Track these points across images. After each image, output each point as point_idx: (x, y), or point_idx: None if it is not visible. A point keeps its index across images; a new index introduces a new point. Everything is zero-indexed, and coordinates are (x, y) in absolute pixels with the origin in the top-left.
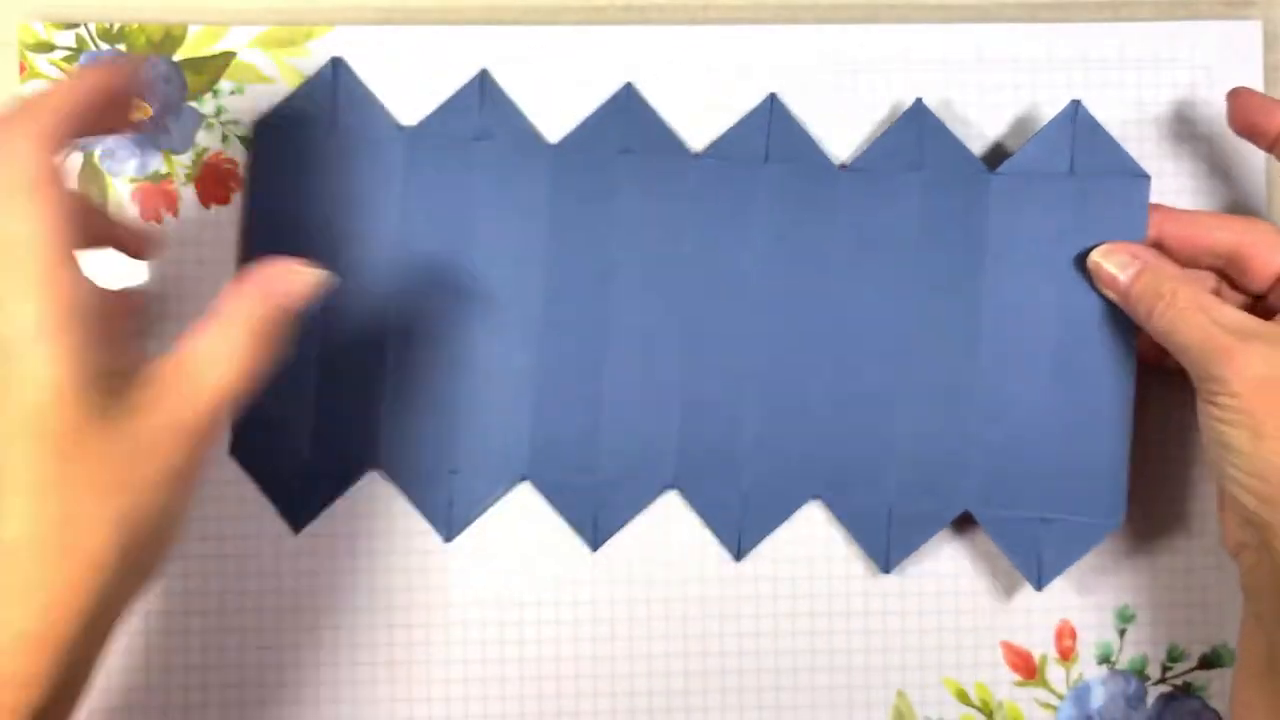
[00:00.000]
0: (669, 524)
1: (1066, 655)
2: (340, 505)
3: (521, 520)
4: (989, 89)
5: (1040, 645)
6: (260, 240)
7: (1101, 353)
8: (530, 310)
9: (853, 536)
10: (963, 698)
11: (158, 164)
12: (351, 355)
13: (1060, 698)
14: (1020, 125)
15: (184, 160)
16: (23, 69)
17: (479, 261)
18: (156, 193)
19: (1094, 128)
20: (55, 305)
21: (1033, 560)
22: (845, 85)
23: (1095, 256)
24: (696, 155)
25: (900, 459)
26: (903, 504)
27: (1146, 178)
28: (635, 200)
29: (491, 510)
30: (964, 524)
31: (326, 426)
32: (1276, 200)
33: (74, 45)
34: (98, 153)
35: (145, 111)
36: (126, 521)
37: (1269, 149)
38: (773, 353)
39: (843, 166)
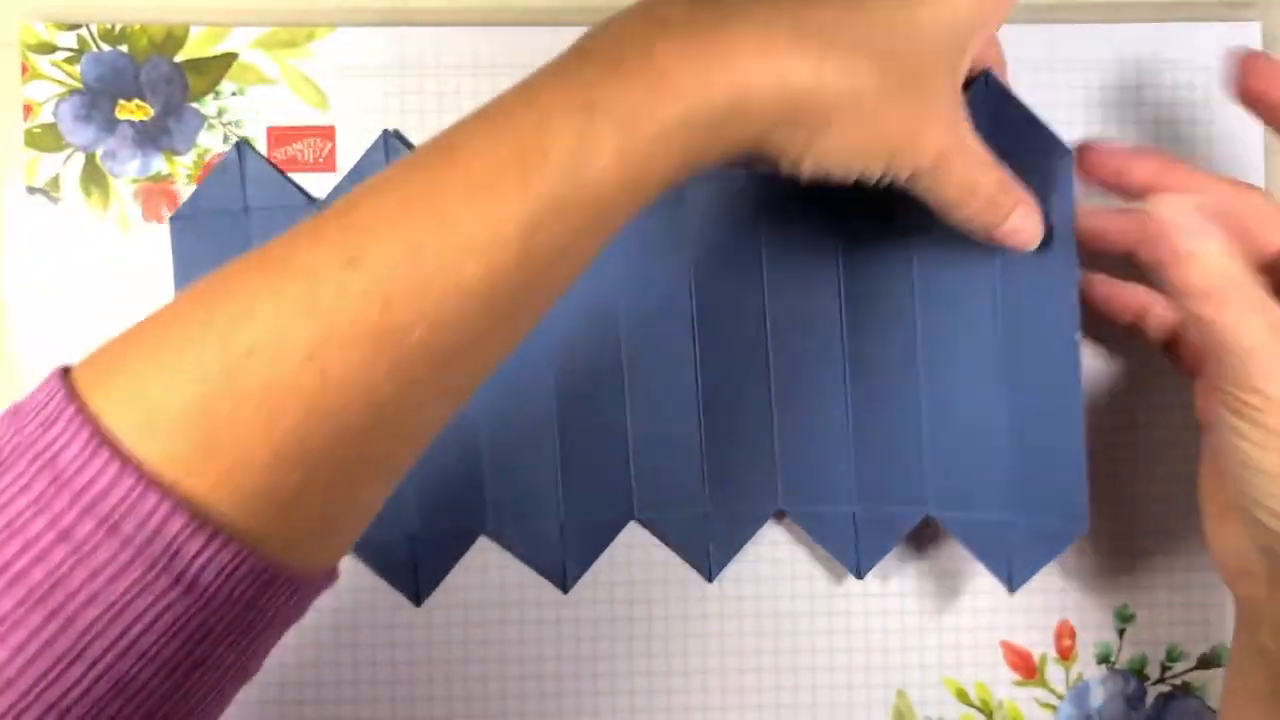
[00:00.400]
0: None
1: (1066, 655)
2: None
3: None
4: None
5: (1040, 645)
6: None
7: (1045, 349)
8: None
9: (821, 545)
10: (962, 697)
11: (159, 165)
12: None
13: (1060, 697)
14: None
15: (185, 161)
16: (24, 69)
17: None
18: (158, 193)
19: (1008, 101)
20: None
21: (1002, 563)
22: None
23: (1165, 212)
24: None
25: (858, 465)
26: (865, 510)
27: (1069, 153)
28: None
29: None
30: None
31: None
32: (1275, 197)
33: (75, 46)
34: (99, 153)
35: (146, 112)
36: None
37: (1270, 119)
38: (717, 372)
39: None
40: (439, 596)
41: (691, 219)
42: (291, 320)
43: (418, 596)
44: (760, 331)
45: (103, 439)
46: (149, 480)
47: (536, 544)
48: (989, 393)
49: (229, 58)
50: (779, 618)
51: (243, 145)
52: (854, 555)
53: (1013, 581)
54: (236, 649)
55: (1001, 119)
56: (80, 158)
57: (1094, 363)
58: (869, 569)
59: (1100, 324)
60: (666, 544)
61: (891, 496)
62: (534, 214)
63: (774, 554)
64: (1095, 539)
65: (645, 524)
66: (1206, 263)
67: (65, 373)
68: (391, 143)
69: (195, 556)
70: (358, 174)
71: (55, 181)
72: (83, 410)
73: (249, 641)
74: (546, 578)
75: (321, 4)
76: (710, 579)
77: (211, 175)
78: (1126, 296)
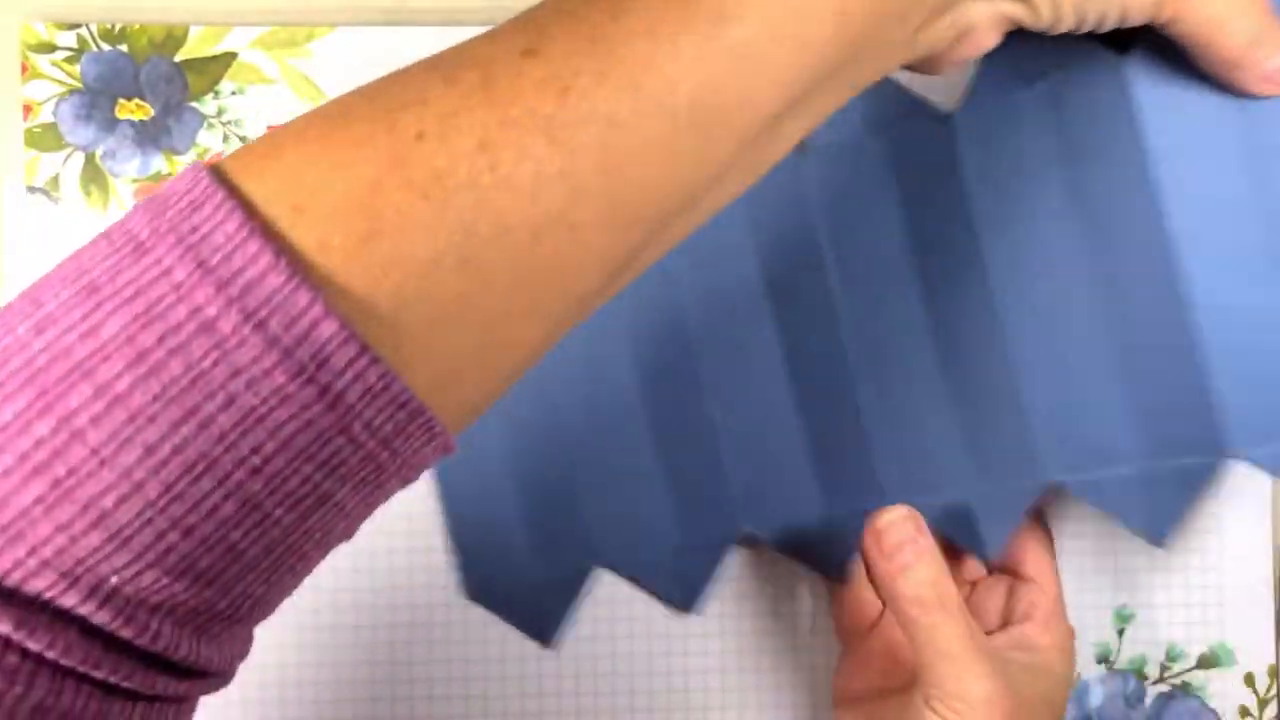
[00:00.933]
0: None
1: None
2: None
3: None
4: None
5: None
6: None
7: (1143, 282)
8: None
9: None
10: None
11: (159, 164)
12: (541, 456)
13: None
14: None
15: (185, 161)
16: (24, 69)
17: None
18: None
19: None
20: None
21: (1144, 518)
22: None
23: (884, 524)
24: None
25: (957, 449)
26: (984, 492)
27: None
28: None
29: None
30: None
31: (542, 536)
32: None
33: (75, 46)
34: (99, 152)
35: (146, 111)
36: None
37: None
38: (803, 362)
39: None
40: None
41: (761, 209)
42: (464, 104)
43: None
44: (835, 318)
45: (255, 225)
46: (304, 274)
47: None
48: (1092, 343)
49: (229, 57)
50: (778, 617)
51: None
52: (981, 546)
53: (1162, 535)
54: (361, 491)
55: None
56: (80, 157)
57: None
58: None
59: None
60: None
61: (1007, 474)
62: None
63: (772, 559)
64: (1095, 539)
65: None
66: (918, 574)
67: (211, 167)
68: None
69: (344, 370)
70: None
71: (55, 181)
72: (234, 194)
73: (373, 488)
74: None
75: (321, 4)
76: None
77: None
78: (867, 607)
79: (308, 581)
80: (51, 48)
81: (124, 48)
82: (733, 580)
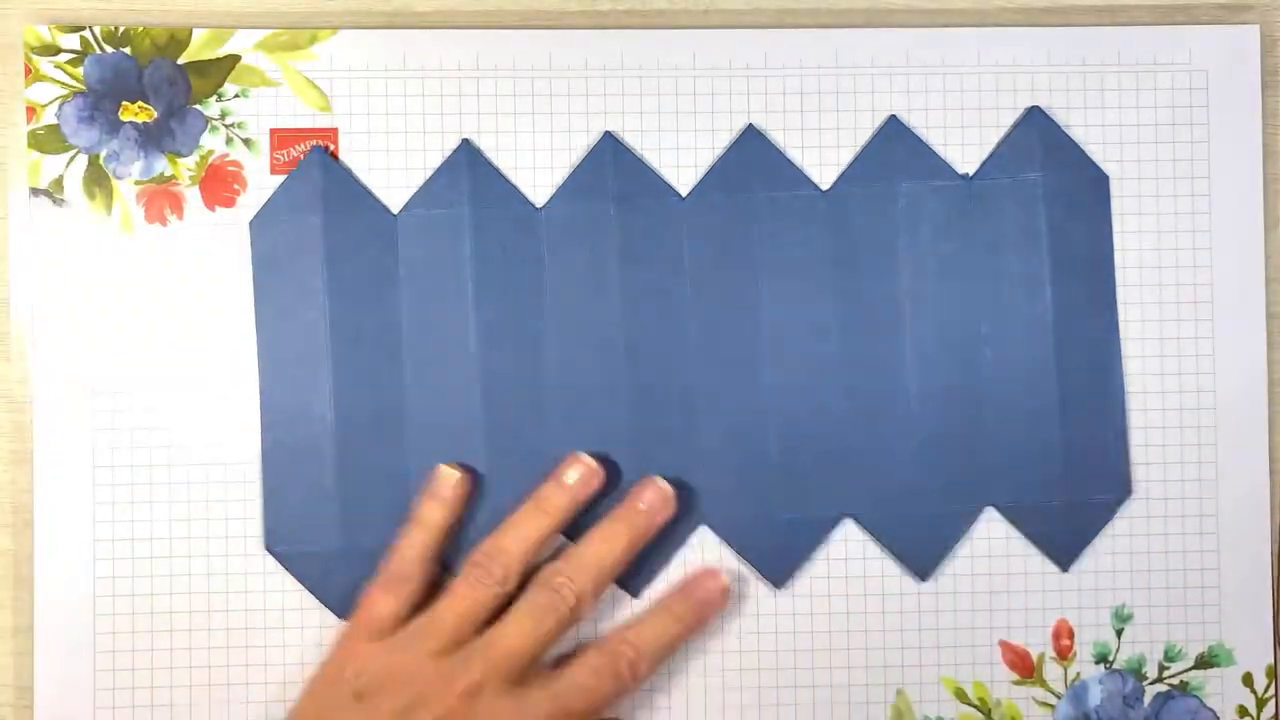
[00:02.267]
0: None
1: (1064, 654)
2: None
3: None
4: (988, 92)
5: (1038, 644)
6: (268, 326)
7: (1088, 351)
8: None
9: (888, 550)
10: (961, 696)
11: (163, 167)
12: (372, 435)
13: (1058, 696)
14: (1020, 128)
15: (189, 163)
16: (28, 71)
17: (485, 331)
18: (161, 195)
19: (1055, 131)
20: None
21: (1053, 543)
22: (845, 88)
23: None
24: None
25: (913, 463)
26: (922, 508)
27: (1107, 179)
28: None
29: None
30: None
31: (356, 511)
32: (1272, 201)
33: (79, 48)
34: (103, 154)
35: (149, 114)
36: None
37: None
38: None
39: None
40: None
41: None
42: None
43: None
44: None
45: None
46: None
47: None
48: (1037, 394)
49: (232, 60)
50: (778, 618)
51: (320, 150)
52: (918, 560)
53: (1065, 561)
54: None
55: (1051, 147)
56: (83, 159)
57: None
58: (934, 570)
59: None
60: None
61: (949, 493)
62: None
63: None
64: (1095, 539)
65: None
66: None
67: None
68: (472, 151)
69: None
70: (437, 181)
71: (59, 183)
72: None
73: None
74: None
75: (324, 6)
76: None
77: (290, 178)
78: None
79: None
80: (55, 50)
81: (127, 50)
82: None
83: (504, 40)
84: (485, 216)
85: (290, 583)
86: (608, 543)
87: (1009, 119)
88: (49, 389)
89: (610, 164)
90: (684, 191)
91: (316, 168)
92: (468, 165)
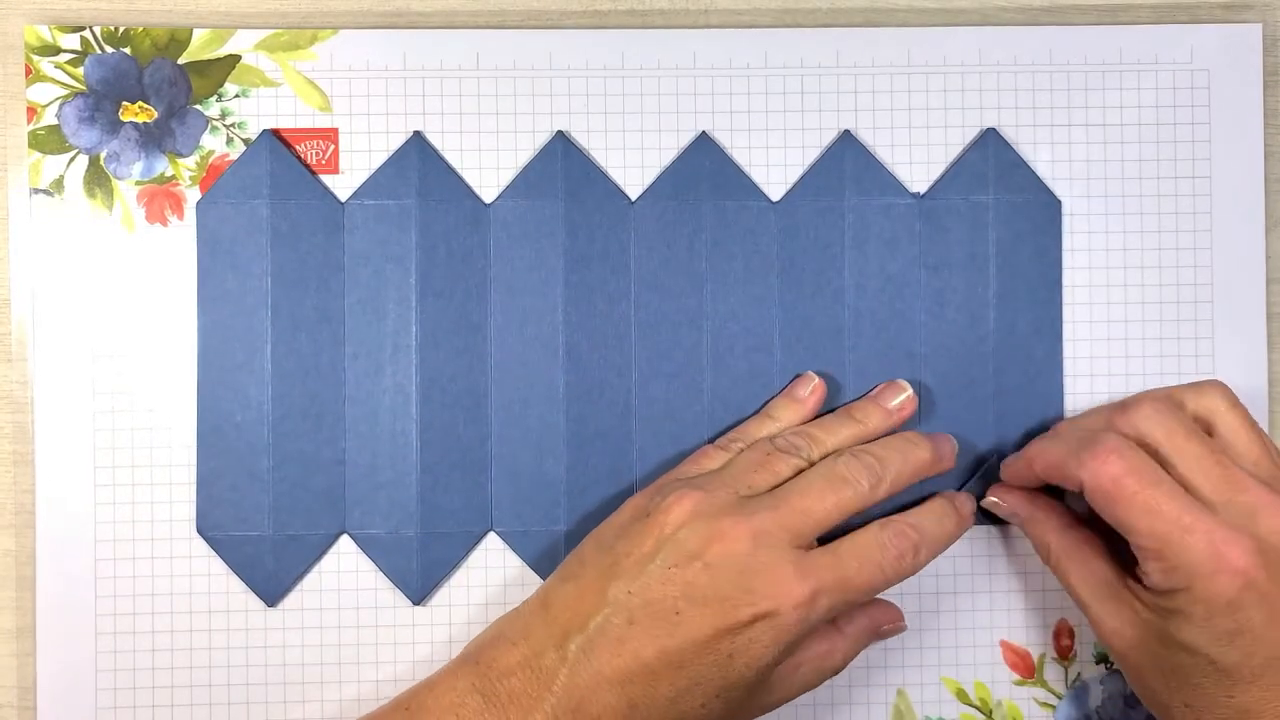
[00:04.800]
0: None
1: (1065, 654)
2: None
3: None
4: (989, 91)
5: (1039, 644)
6: (209, 308)
7: (1030, 370)
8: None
9: None
10: (962, 697)
11: (163, 167)
12: (308, 423)
13: (1059, 697)
14: (1019, 127)
15: (189, 163)
16: (28, 71)
17: (422, 323)
18: (162, 195)
19: (1008, 154)
20: None
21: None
22: (845, 88)
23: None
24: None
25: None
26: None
27: (1059, 203)
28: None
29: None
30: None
31: (287, 498)
32: (1273, 200)
33: (79, 48)
34: (103, 155)
35: (149, 114)
36: None
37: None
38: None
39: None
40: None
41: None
42: None
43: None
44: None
45: None
46: None
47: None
48: (975, 416)
49: (232, 60)
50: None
51: (269, 134)
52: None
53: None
54: None
55: (1005, 170)
56: (84, 160)
57: (1081, 383)
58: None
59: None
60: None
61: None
62: None
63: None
64: None
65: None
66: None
67: None
68: (423, 145)
69: None
70: (385, 172)
71: (59, 183)
72: None
73: None
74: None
75: (324, 6)
76: None
77: (237, 163)
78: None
79: None
80: (55, 50)
81: (127, 50)
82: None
83: (505, 40)
84: (433, 210)
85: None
86: (915, 450)
87: (1009, 117)
88: (50, 390)
89: (560, 163)
90: (634, 195)
91: (265, 152)
92: (418, 157)
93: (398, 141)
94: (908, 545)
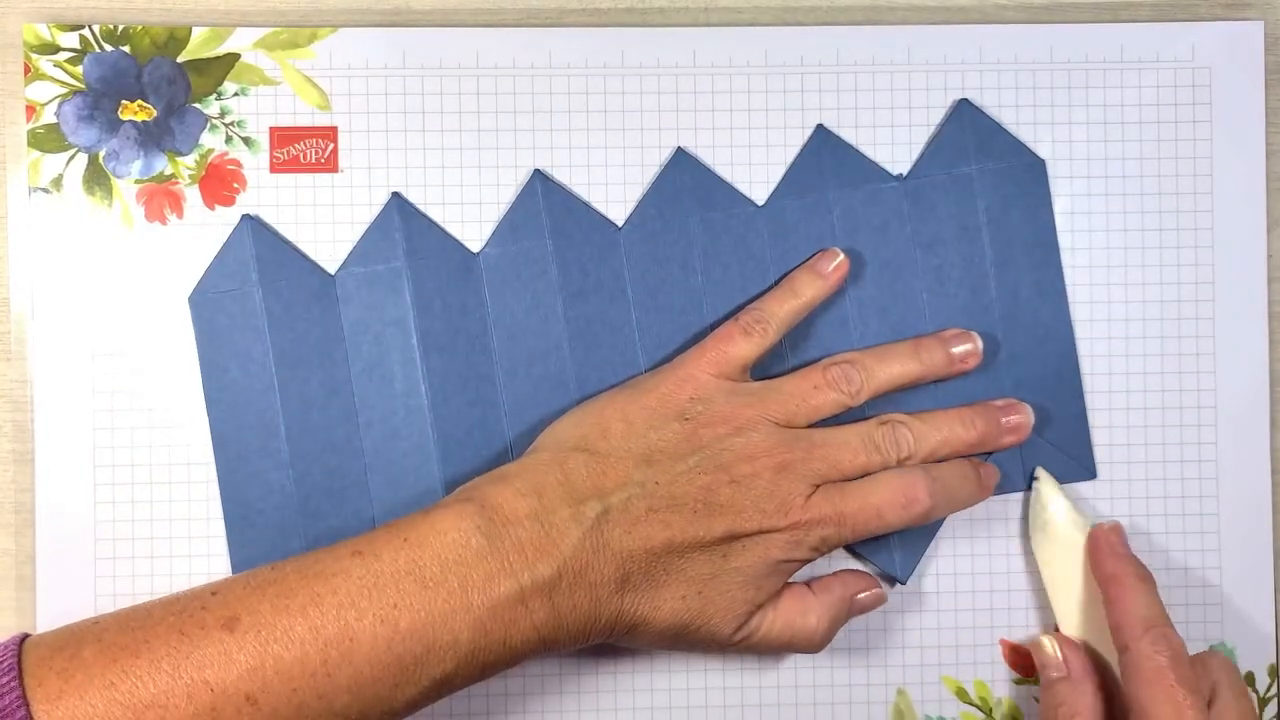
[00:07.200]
0: None
1: None
2: None
3: None
4: (990, 89)
5: None
6: (218, 400)
7: (1041, 336)
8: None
9: (866, 556)
10: (962, 695)
11: (162, 165)
12: (333, 500)
13: None
14: (1019, 125)
15: (188, 162)
16: (27, 70)
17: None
18: (161, 194)
19: (986, 121)
20: None
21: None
22: (846, 87)
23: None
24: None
25: None
26: None
27: (1042, 162)
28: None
29: None
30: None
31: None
32: (1274, 199)
33: (78, 46)
34: (102, 153)
35: (149, 112)
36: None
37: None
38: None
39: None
40: None
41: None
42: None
43: None
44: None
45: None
46: None
47: None
48: (992, 385)
49: (231, 58)
50: None
51: (251, 219)
52: (893, 562)
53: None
54: None
55: (984, 138)
56: (83, 158)
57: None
58: (909, 574)
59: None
60: None
61: None
62: None
63: None
64: None
65: None
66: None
67: (23, 641)
68: (404, 205)
69: None
70: (370, 238)
71: (58, 182)
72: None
73: None
74: None
75: (324, 5)
76: None
77: (221, 252)
78: None
79: None
80: (54, 49)
81: (127, 49)
82: None
83: (504, 39)
84: (422, 267)
85: None
86: (961, 429)
87: (1010, 115)
88: (49, 388)
89: (541, 202)
90: (618, 218)
91: (247, 236)
92: (400, 217)
93: (397, 140)
94: (918, 492)
